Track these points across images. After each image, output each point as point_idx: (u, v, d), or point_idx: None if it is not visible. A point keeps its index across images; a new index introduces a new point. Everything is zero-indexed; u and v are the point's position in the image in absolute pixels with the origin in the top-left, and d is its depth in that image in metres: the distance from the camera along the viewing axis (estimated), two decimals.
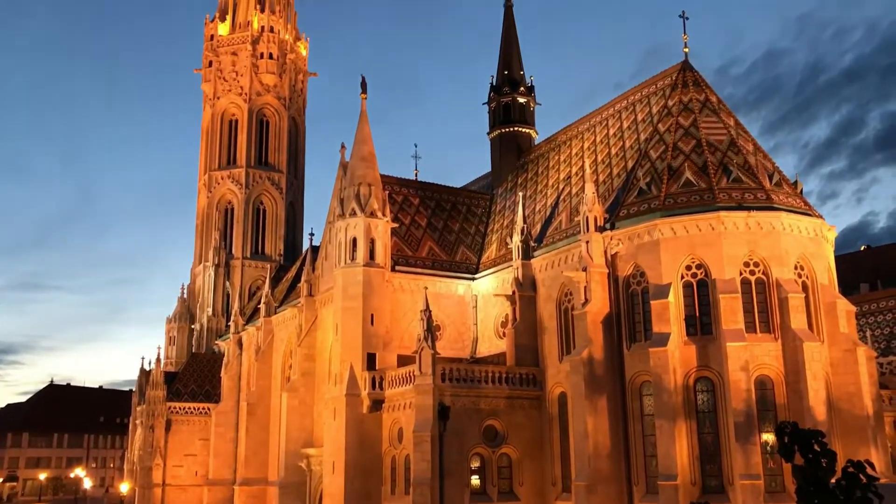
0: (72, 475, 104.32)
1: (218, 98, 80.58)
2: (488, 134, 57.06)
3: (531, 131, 56.46)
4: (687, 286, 35.30)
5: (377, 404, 40.92)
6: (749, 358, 33.09)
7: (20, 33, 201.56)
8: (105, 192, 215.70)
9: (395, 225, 46.12)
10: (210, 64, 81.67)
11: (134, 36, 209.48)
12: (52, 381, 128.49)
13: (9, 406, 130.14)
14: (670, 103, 41.57)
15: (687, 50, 43.26)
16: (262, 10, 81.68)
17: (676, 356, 34.10)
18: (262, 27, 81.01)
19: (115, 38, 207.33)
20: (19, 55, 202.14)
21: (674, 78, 43.06)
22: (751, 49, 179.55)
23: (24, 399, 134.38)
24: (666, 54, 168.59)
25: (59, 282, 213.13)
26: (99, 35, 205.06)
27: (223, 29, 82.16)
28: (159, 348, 71.79)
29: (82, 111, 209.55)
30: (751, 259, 35.01)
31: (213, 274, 74.94)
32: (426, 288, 41.87)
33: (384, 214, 44.27)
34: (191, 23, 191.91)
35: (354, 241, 43.25)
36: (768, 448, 32.41)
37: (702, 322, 34.78)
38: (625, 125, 45.31)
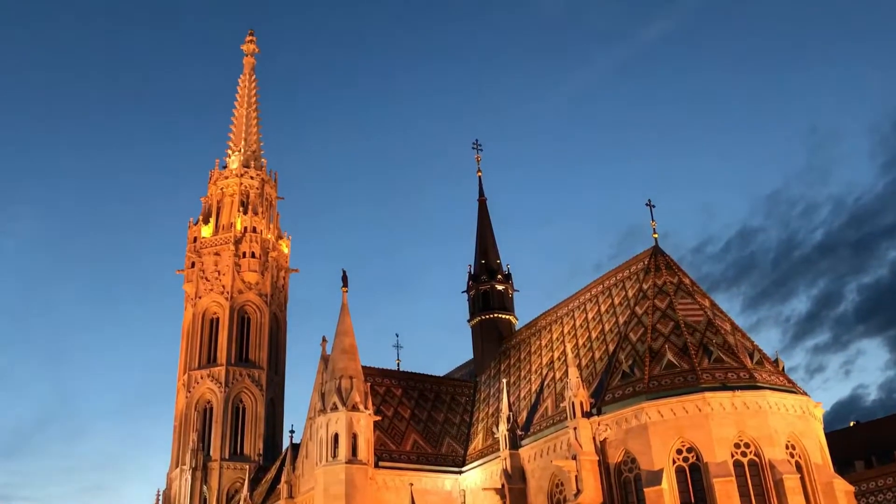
0: None
1: (200, 297, 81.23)
2: (468, 321, 57.56)
3: (511, 317, 57.09)
4: (680, 471, 34.37)
5: None
6: None
7: (3, 237, 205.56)
8: (83, 395, 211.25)
9: (378, 418, 45.21)
10: (193, 265, 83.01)
11: (117, 239, 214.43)
12: None
13: None
14: (645, 286, 42.49)
15: (656, 236, 44.92)
16: (246, 213, 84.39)
17: None
18: (245, 228, 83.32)
19: (97, 241, 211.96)
20: (2, 265, 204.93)
21: (646, 262, 44.31)
22: (724, 228, 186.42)
23: None
24: (642, 235, 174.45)
25: (29, 492, 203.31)
26: (82, 239, 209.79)
27: (206, 231, 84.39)
28: None
29: (64, 314, 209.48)
30: (741, 440, 34.43)
31: (190, 478, 71.88)
32: (411, 484, 40.51)
33: (366, 407, 43.51)
34: (173, 226, 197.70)
35: (336, 436, 42.17)
36: None
37: None
38: (602, 309, 45.96)
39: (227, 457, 74.23)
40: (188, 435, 74.77)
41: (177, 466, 75.12)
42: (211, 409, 76.54)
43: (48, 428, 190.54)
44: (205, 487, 72.31)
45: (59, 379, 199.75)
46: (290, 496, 49.03)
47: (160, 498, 75.76)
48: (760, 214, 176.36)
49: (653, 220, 44.79)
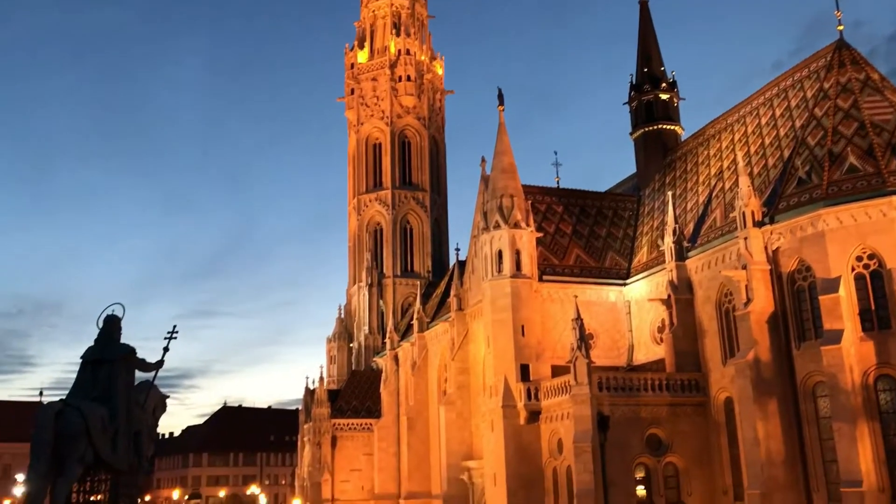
0: (248, 492, 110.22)
1: (361, 124, 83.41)
2: (631, 134, 55.78)
3: (676, 128, 54.72)
4: (859, 278, 32.90)
5: (534, 415, 40.65)
6: None
7: (181, 68, 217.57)
8: (265, 221, 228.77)
9: (540, 234, 45.79)
10: (352, 91, 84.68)
11: (283, 72, 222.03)
12: (225, 404, 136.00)
13: (189, 428, 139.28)
14: (826, 86, 39.06)
15: (841, 28, 40.63)
16: (399, 35, 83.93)
17: (852, 354, 31.81)
18: (399, 51, 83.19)
19: (265, 76, 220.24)
20: (187, 94, 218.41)
21: (828, 59, 40.47)
22: None
23: (200, 421, 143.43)
24: (829, 27, 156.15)
25: (229, 307, 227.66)
26: (251, 69, 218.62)
27: (362, 56, 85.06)
28: (321, 367, 74.61)
29: (242, 145, 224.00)
30: None
31: (367, 293, 77.38)
32: (576, 296, 41.28)
33: (528, 224, 44.10)
34: (331, 54, 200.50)
35: (500, 253, 43.32)
36: None
37: (878, 316, 32.31)
38: (777, 113, 42.98)
39: (398, 274, 78.86)
40: (362, 254, 79.63)
41: (354, 283, 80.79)
42: (381, 230, 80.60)
43: (236, 251, 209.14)
44: (381, 302, 77.74)
45: (241, 206, 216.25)
46: (460, 308, 51.68)
47: (342, 311, 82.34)
48: None
49: (837, 10, 40.40)
